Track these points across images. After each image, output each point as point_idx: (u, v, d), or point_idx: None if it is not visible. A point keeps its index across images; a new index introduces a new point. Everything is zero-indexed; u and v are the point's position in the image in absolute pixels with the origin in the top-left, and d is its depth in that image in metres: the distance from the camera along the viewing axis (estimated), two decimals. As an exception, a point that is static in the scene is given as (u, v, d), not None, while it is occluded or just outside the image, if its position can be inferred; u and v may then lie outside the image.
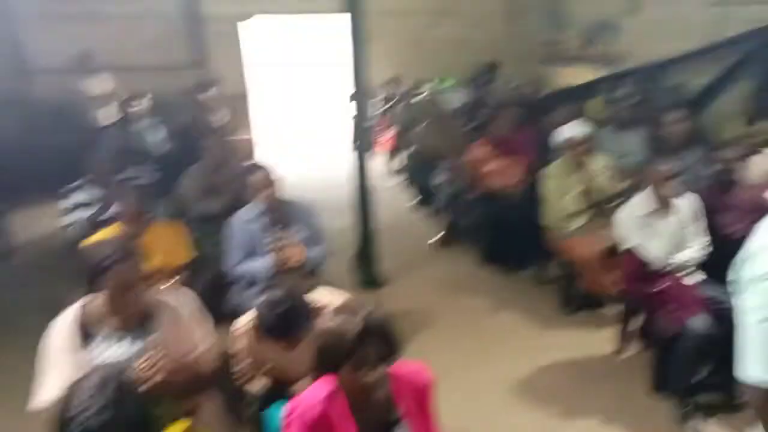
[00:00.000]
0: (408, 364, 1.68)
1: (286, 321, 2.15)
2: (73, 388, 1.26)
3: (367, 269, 4.33)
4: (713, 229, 3.04)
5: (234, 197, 3.76)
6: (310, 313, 2.21)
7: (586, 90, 6.46)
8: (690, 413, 2.74)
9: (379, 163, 7.03)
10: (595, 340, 3.49)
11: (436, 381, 1.71)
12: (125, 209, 3.04)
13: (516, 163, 4.56)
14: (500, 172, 4.52)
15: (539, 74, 8.20)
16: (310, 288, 2.51)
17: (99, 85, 6.44)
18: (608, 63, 7.05)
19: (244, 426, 2.38)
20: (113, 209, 3.14)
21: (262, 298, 2.25)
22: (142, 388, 1.32)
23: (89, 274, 1.96)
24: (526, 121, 5.39)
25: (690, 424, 2.72)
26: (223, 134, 4.05)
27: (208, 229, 3.65)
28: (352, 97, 4.19)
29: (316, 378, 1.62)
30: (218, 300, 3.55)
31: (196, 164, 3.94)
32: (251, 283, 3.14)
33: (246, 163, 3.73)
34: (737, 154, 3.15)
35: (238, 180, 3.89)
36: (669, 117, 3.89)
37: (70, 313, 1.99)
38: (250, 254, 3.12)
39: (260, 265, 3.07)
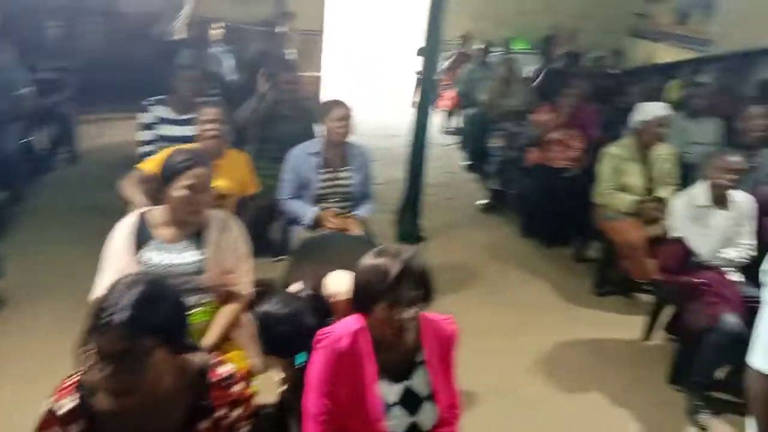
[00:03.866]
0: (437, 314, 1.74)
1: (288, 342, 1.90)
2: (111, 287, 1.31)
3: (409, 223, 4.38)
4: (762, 232, 2.95)
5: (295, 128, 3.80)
6: (324, 314, 1.95)
7: (668, 70, 6.16)
8: (700, 408, 2.75)
9: (436, 120, 6.99)
10: (623, 324, 3.49)
11: (461, 336, 1.75)
12: (206, 131, 2.97)
13: (578, 136, 4.48)
14: (562, 143, 4.45)
15: (625, 47, 7.83)
16: (325, 273, 2.11)
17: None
18: (699, 44, 6.66)
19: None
20: (193, 130, 3.10)
21: (263, 307, 1.97)
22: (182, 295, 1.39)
23: (165, 173, 2.08)
24: (598, 96, 5.23)
25: (698, 417, 2.74)
26: (292, 68, 4.07)
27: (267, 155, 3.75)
28: (420, 51, 4.14)
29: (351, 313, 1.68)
30: (264, 229, 3.67)
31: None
32: (294, 221, 3.23)
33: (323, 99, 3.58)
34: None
35: (302, 113, 3.95)
36: (751, 111, 3.69)
37: (130, 217, 2.16)
38: (302, 187, 3.20)
39: (305, 212, 3.13)
